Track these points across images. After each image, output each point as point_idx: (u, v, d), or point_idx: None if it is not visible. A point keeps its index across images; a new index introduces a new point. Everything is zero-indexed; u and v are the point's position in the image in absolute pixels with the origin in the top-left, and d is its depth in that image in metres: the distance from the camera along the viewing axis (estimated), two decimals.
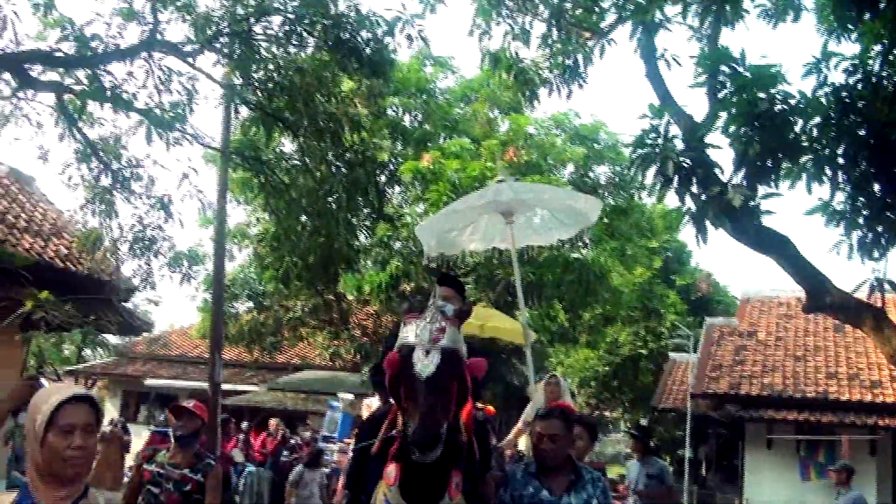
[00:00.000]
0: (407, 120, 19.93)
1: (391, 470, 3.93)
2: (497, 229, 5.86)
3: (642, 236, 21.75)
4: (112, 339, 22.73)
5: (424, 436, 3.50)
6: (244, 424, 17.06)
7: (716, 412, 17.76)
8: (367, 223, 17.90)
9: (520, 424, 8.11)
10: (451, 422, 3.75)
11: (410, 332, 3.82)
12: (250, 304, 21.70)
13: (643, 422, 28.18)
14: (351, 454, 5.05)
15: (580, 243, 17.60)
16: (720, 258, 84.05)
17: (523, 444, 9.12)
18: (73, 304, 6.93)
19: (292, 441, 15.33)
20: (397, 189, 19.85)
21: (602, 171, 19.23)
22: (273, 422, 16.11)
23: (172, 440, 5.39)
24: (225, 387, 23.66)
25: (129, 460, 19.01)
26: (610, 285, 18.72)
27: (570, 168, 18.83)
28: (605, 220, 17.51)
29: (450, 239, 5.98)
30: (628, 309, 23.51)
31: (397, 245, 17.64)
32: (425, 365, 3.64)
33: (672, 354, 25.82)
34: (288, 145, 14.78)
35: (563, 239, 6.65)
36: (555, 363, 27.42)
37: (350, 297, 21.99)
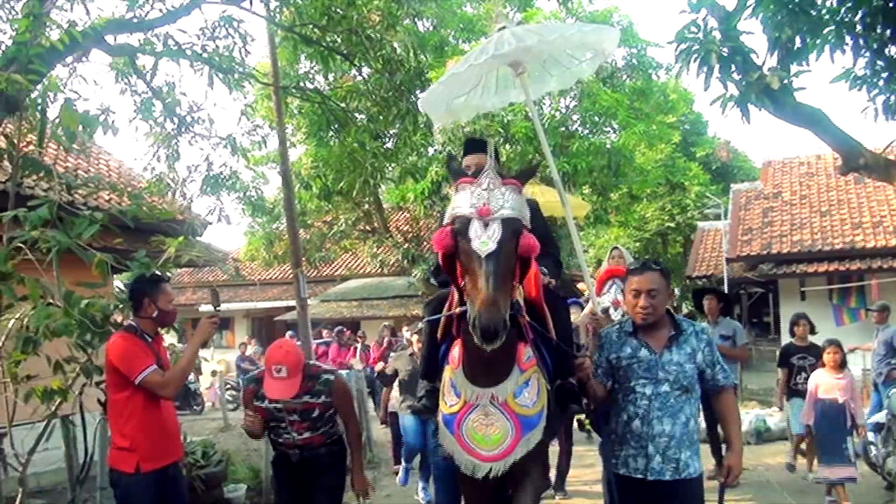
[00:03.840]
0: (421, 27, 20.25)
1: (455, 353, 3.79)
2: (510, 82, 5.14)
3: (661, 112, 22.28)
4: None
5: (487, 324, 3.10)
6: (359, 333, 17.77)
7: (751, 273, 18.66)
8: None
9: (590, 304, 6.92)
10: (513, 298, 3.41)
11: (465, 201, 3.36)
12: None
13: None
14: (424, 339, 4.61)
15: (608, 129, 18.38)
16: (734, 124, 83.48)
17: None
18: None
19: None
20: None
21: (620, 54, 19.62)
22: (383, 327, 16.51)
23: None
24: (278, 304, 25.00)
25: (204, 382, 20.45)
26: (636, 165, 19.46)
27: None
28: (629, 103, 18.11)
29: (459, 104, 5.18)
30: (654, 185, 24.20)
31: (431, 151, 18.38)
32: (484, 241, 3.22)
33: (700, 224, 26.58)
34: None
35: (583, 77, 6.14)
36: (587, 244, 28.40)
37: (385, 205, 22.90)
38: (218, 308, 5.14)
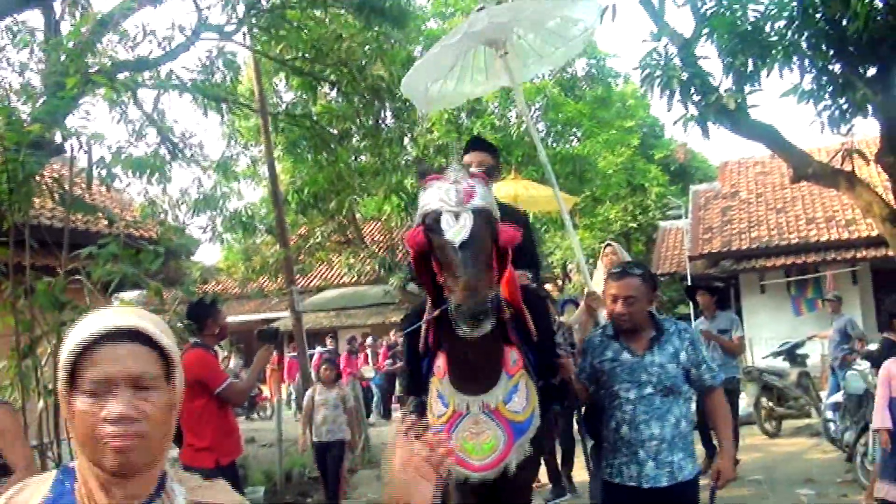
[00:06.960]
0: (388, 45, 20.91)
1: (440, 362, 3.70)
2: (494, 67, 4.92)
3: (620, 118, 23.17)
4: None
5: (470, 305, 3.03)
6: (368, 340, 18.73)
7: (713, 269, 19.58)
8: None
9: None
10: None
11: (433, 196, 3.31)
12: (267, 237, 23.10)
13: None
14: (405, 353, 4.47)
15: (572, 137, 19.23)
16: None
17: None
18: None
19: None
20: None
21: (580, 65, 20.52)
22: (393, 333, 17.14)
23: None
24: (257, 316, 25.49)
25: None
26: (599, 170, 20.34)
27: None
28: (590, 111, 19.01)
29: (443, 90, 4.96)
30: (616, 188, 25.06)
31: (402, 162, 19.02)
32: (457, 230, 3.17)
33: (661, 223, 27.47)
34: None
35: (571, 57, 5.78)
36: (553, 246, 29.21)
37: (358, 216, 23.47)
38: (275, 341, 5.89)
